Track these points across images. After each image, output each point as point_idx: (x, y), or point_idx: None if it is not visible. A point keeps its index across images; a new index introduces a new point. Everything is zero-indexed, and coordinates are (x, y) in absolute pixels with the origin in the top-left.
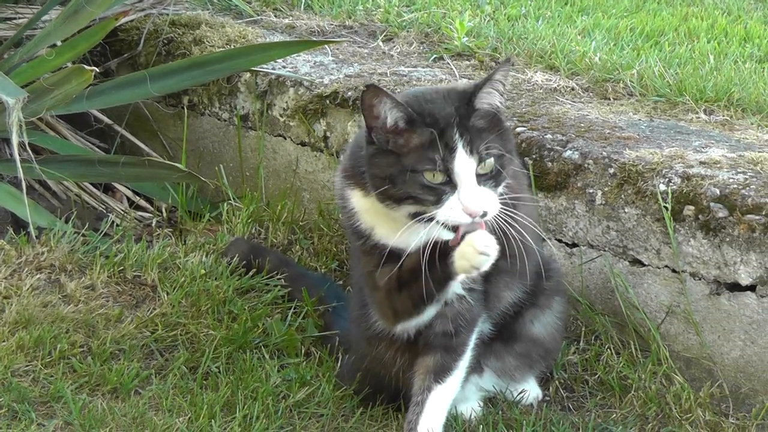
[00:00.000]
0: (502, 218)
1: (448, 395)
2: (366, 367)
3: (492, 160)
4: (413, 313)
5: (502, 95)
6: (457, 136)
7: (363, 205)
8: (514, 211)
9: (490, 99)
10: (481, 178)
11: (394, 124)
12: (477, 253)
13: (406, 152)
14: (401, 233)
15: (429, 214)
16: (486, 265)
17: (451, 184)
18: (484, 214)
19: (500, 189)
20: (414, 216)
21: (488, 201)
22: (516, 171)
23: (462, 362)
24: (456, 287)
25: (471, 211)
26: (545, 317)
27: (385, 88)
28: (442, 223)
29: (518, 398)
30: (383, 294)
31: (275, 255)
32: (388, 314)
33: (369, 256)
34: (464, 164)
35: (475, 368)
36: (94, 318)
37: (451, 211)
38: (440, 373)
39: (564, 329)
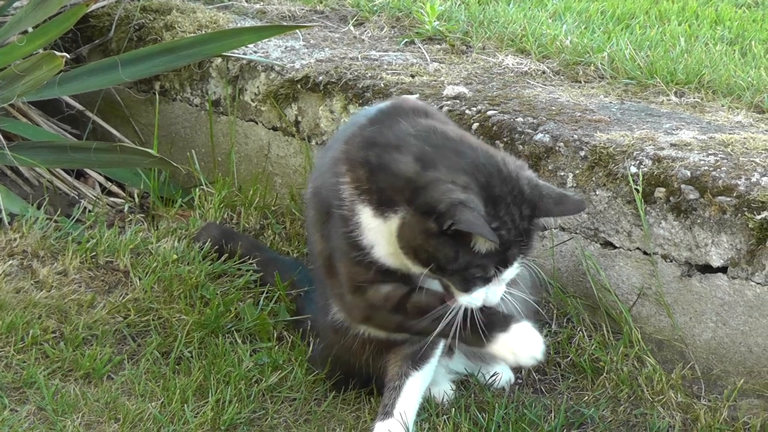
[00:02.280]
0: None
1: (425, 381)
2: (335, 354)
3: None
4: (389, 332)
5: None
6: (517, 253)
7: (371, 224)
8: None
9: None
10: None
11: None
12: (529, 356)
13: (466, 250)
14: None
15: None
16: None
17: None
18: None
19: None
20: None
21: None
22: None
23: (438, 350)
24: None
25: (489, 304)
26: (516, 298)
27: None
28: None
29: (490, 381)
30: (365, 303)
31: (247, 239)
32: (357, 317)
33: (359, 267)
34: (510, 273)
35: (446, 350)
36: (66, 304)
37: (472, 299)
38: (417, 361)
39: (535, 312)
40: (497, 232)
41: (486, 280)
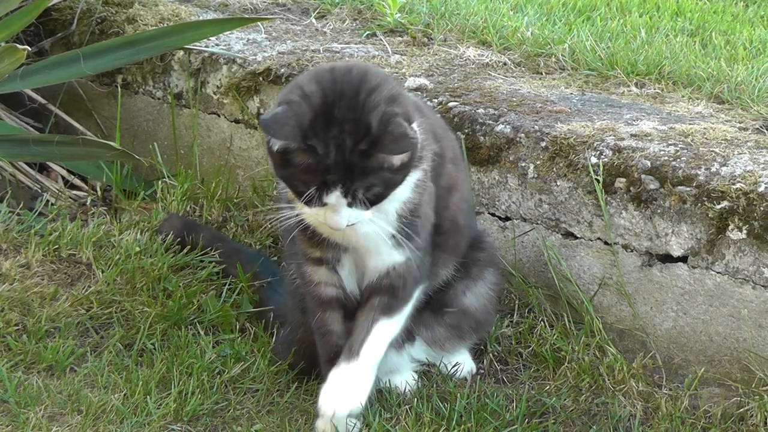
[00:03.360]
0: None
1: (392, 332)
2: (300, 338)
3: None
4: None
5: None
6: (337, 181)
7: None
8: (450, 195)
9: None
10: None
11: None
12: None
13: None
14: None
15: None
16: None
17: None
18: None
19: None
20: None
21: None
22: (456, 154)
23: (406, 309)
24: (397, 256)
25: (333, 226)
26: (477, 288)
27: None
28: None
29: (452, 371)
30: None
31: (209, 231)
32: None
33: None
34: (334, 200)
35: (407, 337)
36: (29, 296)
37: (310, 212)
38: (387, 310)
39: (497, 301)
40: (312, 148)
41: (311, 199)
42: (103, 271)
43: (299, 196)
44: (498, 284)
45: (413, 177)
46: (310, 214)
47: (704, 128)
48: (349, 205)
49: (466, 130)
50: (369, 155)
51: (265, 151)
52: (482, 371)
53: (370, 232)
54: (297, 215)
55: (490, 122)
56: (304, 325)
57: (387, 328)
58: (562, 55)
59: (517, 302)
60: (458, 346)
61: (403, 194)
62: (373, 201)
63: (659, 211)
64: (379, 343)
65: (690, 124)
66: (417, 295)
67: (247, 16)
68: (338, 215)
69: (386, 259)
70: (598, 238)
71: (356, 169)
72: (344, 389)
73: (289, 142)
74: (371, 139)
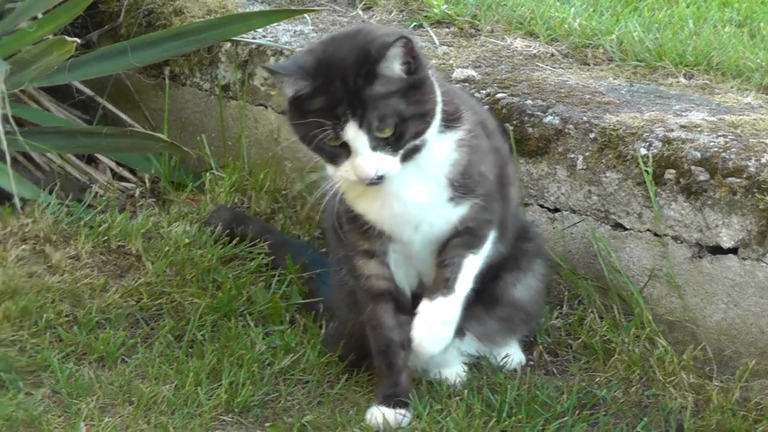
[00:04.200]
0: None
1: (478, 267)
2: (349, 331)
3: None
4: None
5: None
6: (346, 111)
7: None
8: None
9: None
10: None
11: None
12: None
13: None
14: None
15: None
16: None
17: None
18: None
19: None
20: None
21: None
22: (496, 129)
23: (486, 247)
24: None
25: (362, 176)
26: (527, 280)
27: None
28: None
29: (502, 363)
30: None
31: (257, 222)
32: None
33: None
34: (352, 136)
35: (457, 332)
36: (79, 288)
37: (343, 172)
38: (470, 246)
39: (546, 293)
40: (318, 88)
41: (331, 145)
42: (152, 263)
43: (322, 153)
44: (546, 275)
45: (454, 135)
46: (344, 175)
47: (754, 119)
48: (374, 150)
49: (515, 122)
50: (373, 77)
51: None
52: (532, 363)
53: (422, 201)
54: (334, 188)
55: (539, 114)
56: (352, 319)
57: (474, 263)
58: (609, 46)
59: (566, 294)
60: (509, 338)
61: (446, 154)
62: (396, 141)
63: (709, 202)
64: (469, 277)
65: (739, 115)
66: (492, 237)
67: (294, 7)
68: (363, 159)
69: (446, 220)
70: (648, 230)
71: (364, 96)
72: (440, 325)
73: (299, 82)
74: (372, 61)
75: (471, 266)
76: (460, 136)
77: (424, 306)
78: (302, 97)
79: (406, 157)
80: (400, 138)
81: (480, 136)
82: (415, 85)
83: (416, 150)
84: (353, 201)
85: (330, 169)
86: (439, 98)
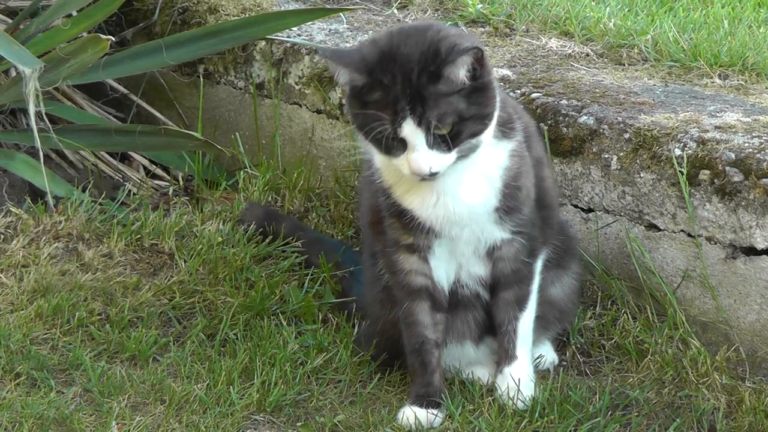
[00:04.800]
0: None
1: (532, 316)
2: (381, 330)
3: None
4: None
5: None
6: (405, 107)
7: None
8: (542, 168)
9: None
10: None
11: None
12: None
13: (362, 101)
14: None
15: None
16: None
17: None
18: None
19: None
20: None
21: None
22: (536, 132)
23: (535, 287)
24: (499, 233)
25: (417, 172)
26: (566, 278)
27: None
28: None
29: (535, 363)
30: None
31: (290, 221)
32: None
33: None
34: (411, 132)
35: (489, 330)
36: (111, 286)
37: (397, 164)
38: (520, 303)
39: (580, 292)
40: (379, 81)
41: (388, 139)
42: (185, 261)
43: (378, 144)
44: (581, 274)
45: (508, 145)
46: (396, 166)
47: None
48: (430, 147)
49: (549, 122)
50: (438, 77)
51: (346, 141)
52: (565, 363)
53: (475, 204)
54: (381, 182)
55: (573, 113)
56: (384, 318)
57: (527, 318)
58: (644, 46)
59: (599, 294)
60: (542, 336)
61: (500, 161)
62: (452, 139)
63: (743, 203)
64: (527, 335)
65: None
66: (539, 267)
67: (329, 6)
68: (419, 155)
69: (488, 237)
70: (682, 231)
71: (426, 93)
72: (520, 386)
73: (353, 74)
74: (439, 62)
75: (525, 325)
76: (513, 147)
77: (500, 381)
78: (362, 88)
79: (461, 156)
80: (457, 137)
81: (526, 147)
82: (478, 88)
83: (471, 149)
84: (401, 196)
85: (380, 161)
86: (498, 104)
